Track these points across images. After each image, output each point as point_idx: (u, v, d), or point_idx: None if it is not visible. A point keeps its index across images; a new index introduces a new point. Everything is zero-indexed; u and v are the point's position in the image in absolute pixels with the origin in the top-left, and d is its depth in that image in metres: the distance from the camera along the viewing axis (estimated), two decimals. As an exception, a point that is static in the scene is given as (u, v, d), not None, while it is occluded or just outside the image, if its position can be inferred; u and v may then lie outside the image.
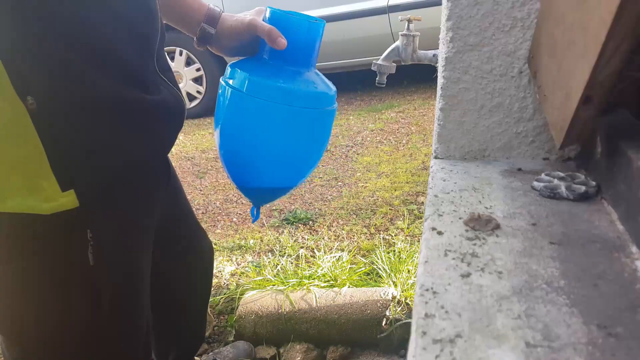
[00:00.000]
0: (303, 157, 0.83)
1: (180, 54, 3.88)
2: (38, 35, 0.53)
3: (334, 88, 0.82)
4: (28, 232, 0.60)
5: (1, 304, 0.64)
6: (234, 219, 2.30)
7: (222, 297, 1.64)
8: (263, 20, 0.75)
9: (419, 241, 1.67)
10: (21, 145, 0.55)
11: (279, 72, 0.76)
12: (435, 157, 0.80)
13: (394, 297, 1.43)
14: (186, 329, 1.13)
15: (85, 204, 0.59)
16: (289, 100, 0.74)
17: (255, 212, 0.90)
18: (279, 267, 1.72)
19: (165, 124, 0.71)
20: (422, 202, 2.17)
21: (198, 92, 4.02)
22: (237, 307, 1.51)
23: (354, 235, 1.96)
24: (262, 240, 2.01)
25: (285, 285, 1.54)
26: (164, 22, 0.79)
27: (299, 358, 1.37)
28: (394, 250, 1.72)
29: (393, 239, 1.86)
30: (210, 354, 1.38)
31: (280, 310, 1.43)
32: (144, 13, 0.66)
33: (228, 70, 0.79)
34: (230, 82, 0.77)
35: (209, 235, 2.00)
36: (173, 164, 2.93)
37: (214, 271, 1.80)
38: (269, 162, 0.80)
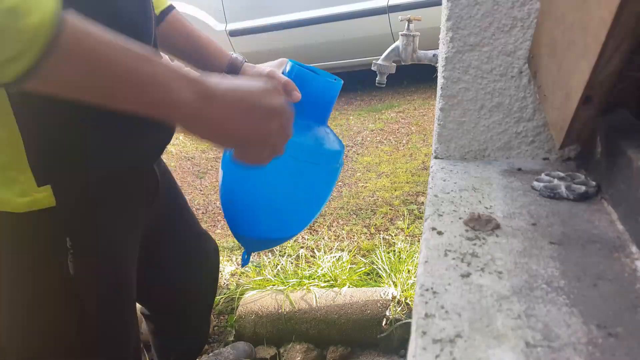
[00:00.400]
0: (299, 211, 0.82)
1: (180, 54, 3.88)
2: None
3: (342, 146, 0.82)
4: (2, 232, 0.58)
5: None
6: (234, 219, 2.30)
7: (222, 297, 1.64)
8: (283, 72, 0.77)
9: (419, 241, 1.67)
10: None
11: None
12: (436, 157, 0.80)
13: (394, 297, 1.43)
14: (188, 330, 1.14)
15: (63, 203, 0.57)
16: (294, 153, 0.73)
17: (245, 257, 0.90)
18: (279, 267, 1.72)
19: (153, 130, 0.69)
20: (422, 202, 2.17)
21: (198, 92, 4.01)
22: (237, 307, 1.51)
23: (354, 235, 1.96)
24: (262, 240, 2.01)
25: (285, 285, 1.54)
26: (189, 66, 0.81)
27: (299, 358, 1.37)
28: (394, 250, 1.72)
29: (393, 239, 1.86)
30: (211, 354, 1.38)
31: (280, 310, 1.43)
32: (143, 16, 0.65)
33: None
34: None
35: (209, 236, 1.97)
36: (173, 164, 2.92)
37: (214, 271, 1.80)
38: (265, 211, 0.80)
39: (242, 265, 0.91)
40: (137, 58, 0.41)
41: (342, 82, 0.79)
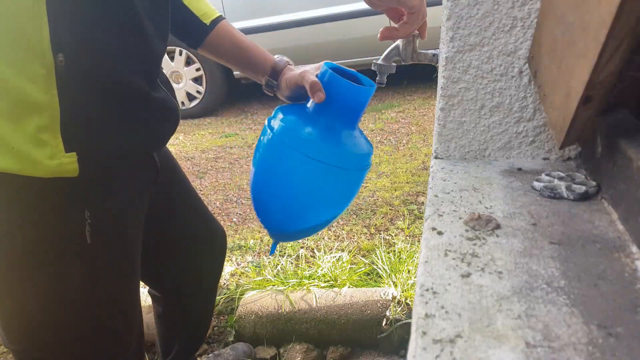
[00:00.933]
0: (320, 208, 0.82)
1: (180, 53, 3.88)
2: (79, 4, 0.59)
3: (370, 149, 0.82)
4: (26, 200, 0.64)
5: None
6: (234, 219, 2.30)
7: (222, 298, 1.64)
8: (318, 75, 0.80)
9: (419, 241, 1.67)
10: (42, 94, 0.59)
11: (315, 124, 0.77)
12: (436, 157, 0.80)
13: (394, 298, 1.43)
14: (193, 312, 1.17)
15: (84, 174, 0.64)
16: (318, 156, 0.74)
17: (274, 247, 0.93)
18: (279, 267, 1.72)
19: (169, 124, 0.79)
20: (422, 202, 2.17)
21: (198, 92, 4.02)
22: (237, 308, 1.51)
23: (354, 235, 1.96)
24: (262, 241, 2.01)
25: (285, 286, 1.54)
26: (236, 69, 0.91)
27: (299, 358, 1.37)
28: (394, 251, 1.72)
29: (393, 239, 1.86)
30: (210, 355, 1.38)
31: (280, 311, 1.43)
32: (167, 17, 0.75)
33: (274, 111, 0.83)
34: (272, 122, 0.80)
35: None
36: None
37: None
38: (288, 207, 0.81)
39: (270, 254, 0.94)
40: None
41: (375, 87, 0.79)
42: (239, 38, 0.90)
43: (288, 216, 0.82)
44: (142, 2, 0.67)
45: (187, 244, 1.04)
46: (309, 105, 0.80)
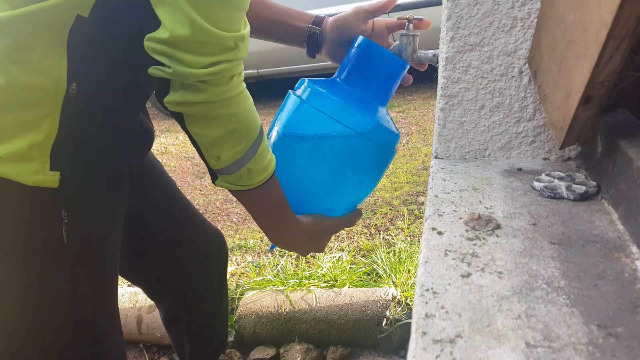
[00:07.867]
0: (338, 187, 0.79)
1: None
2: (97, 41, 0.61)
3: (397, 132, 0.80)
4: (8, 200, 0.64)
5: None
6: (234, 219, 2.30)
7: (222, 298, 1.64)
8: (352, 43, 0.80)
9: (419, 241, 1.67)
10: (45, 116, 0.61)
11: (346, 92, 0.76)
12: (436, 157, 0.80)
13: (394, 298, 1.43)
14: (197, 321, 1.13)
15: (63, 185, 0.65)
16: (343, 119, 0.72)
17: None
18: (278, 267, 1.72)
19: (149, 145, 0.82)
20: (423, 202, 2.17)
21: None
22: (237, 308, 1.51)
23: (354, 236, 1.96)
24: (262, 241, 2.01)
25: (285, 286, 1.54)
26: (272, 39, 0.91)
27: (299, 358, 1.37)
28: (394, 251, 1.72)
29: (393, 239, 1.86)
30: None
31: (280, 311, 1.43)
32: None
33: (299, 82, 0.82)
34: (298, 91, 0.79)
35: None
36: (173, 164, 2.91)
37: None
38: (312, 189, 0.78)
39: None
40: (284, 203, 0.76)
41: (408, 66, 0.79)
42: (273, 3, 0.90)
43: (309, 192, 0.79)
44: None
45: (172, 252, 1.01)
46: (338, 77, 0.79)
